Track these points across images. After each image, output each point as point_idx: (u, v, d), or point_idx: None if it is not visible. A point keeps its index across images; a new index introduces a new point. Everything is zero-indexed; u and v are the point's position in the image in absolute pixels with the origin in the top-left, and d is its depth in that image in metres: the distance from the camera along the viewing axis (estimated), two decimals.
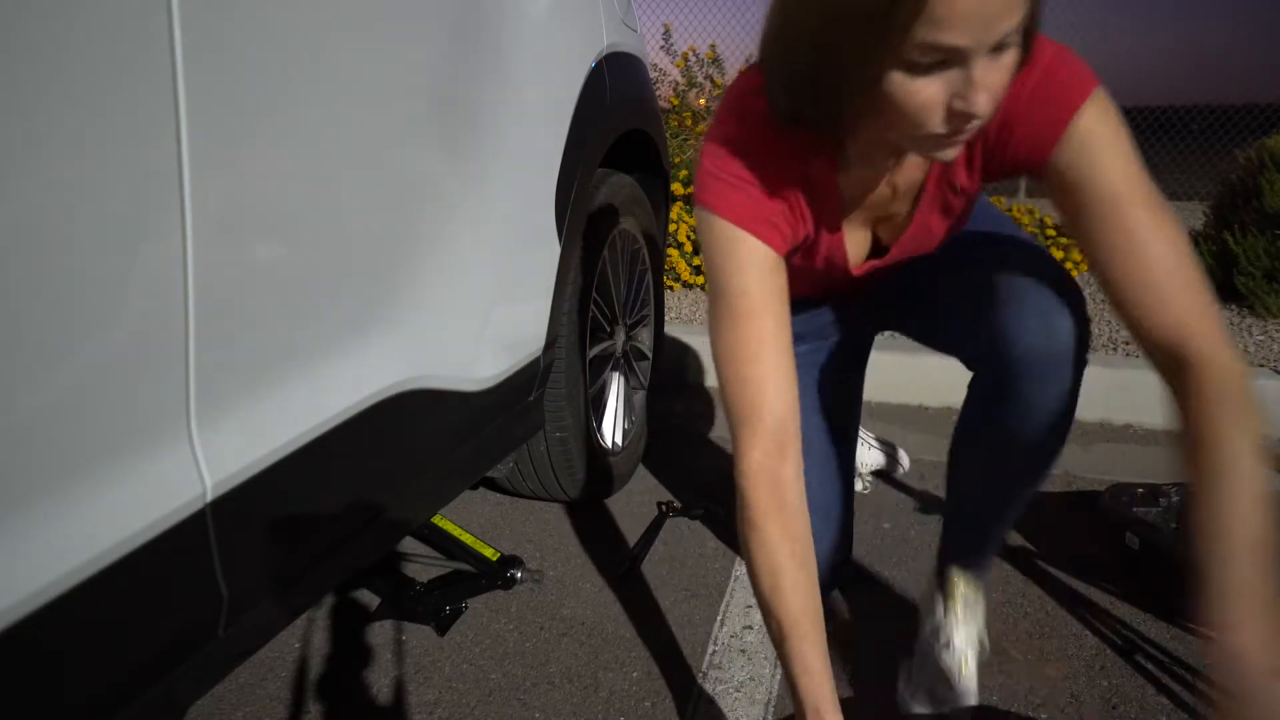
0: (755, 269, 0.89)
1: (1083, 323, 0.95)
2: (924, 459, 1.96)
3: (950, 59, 0.68)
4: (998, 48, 0.68)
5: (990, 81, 0.69)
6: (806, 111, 0.81)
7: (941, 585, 1.19)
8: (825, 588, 1.01)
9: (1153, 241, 0.80)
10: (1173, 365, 0.80)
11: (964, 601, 1.18)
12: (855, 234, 1.02)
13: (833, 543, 1.26)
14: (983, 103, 0.69)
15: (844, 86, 0.74)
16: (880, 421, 2.31)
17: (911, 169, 0.94)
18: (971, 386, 1.07)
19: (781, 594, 0.85)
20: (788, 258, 0.95)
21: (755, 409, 0.88)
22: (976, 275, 1.02)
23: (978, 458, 1.10)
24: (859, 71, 0.71)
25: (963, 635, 1.16)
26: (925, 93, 0.70)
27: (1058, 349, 0.94)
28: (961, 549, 1.19)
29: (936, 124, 0.72)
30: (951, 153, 0.76)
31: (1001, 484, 1.09)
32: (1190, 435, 0.78)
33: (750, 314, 0.88)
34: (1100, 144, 0.81)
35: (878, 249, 1.05)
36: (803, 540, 0.88)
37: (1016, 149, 0.86)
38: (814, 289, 1.20)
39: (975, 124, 0.72)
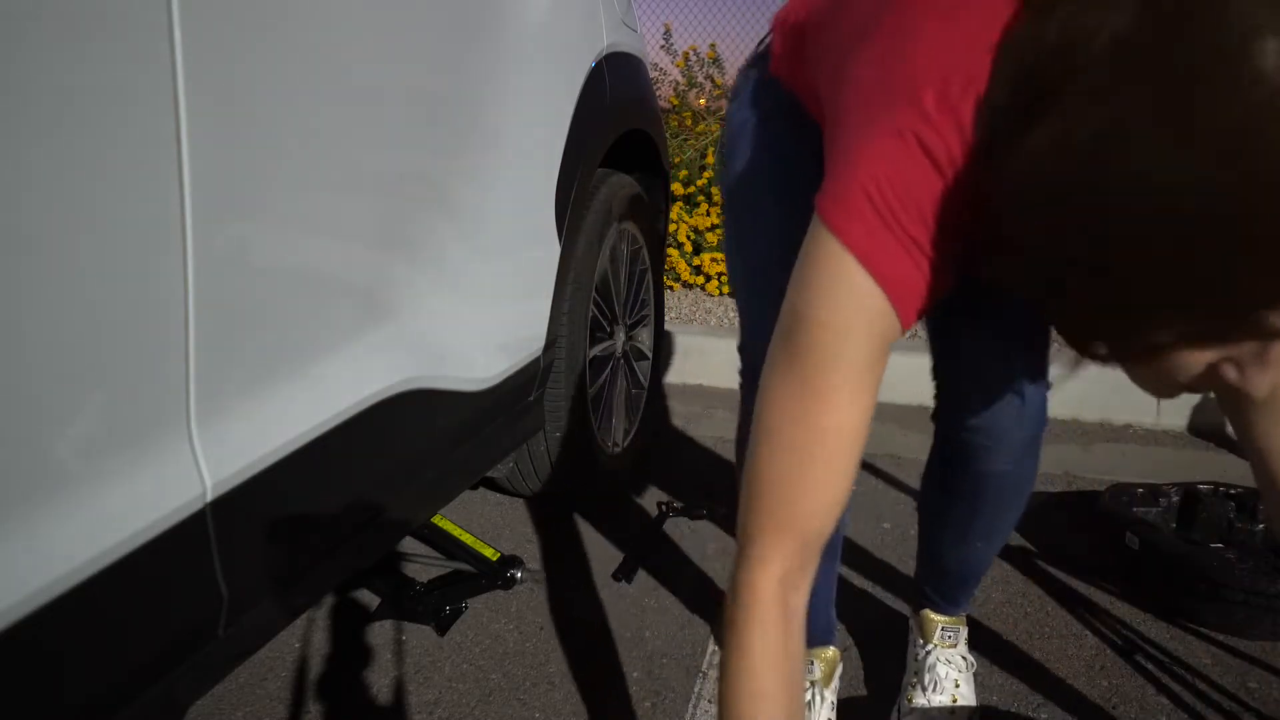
0: (875, 347, 0.66)
1: (1031, 429, 0.98)
2: (924, 459, 1.96)
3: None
4: None
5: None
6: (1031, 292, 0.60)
7: (919, 626, 1.23)
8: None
9: None
10: None
11: (940, 632, 1.20)
12: None
13: None
14: (1263, 386, 0.54)
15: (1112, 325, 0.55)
16: (879, 421, 2.31)
17: None
18: (935, 431, 1.08)
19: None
20: None
21: (797, 516, 0.68)
22: (990, 341, 0.98)
23: (934, 500, 1.14)
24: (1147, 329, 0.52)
25: (944, 667, 1.17)
26: (1201, 357, 0.54)
27: (1002, 450, 0.98)
28: (929, 585, 1.21)
29: (1185, 378, 0.56)
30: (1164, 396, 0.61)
31: (957, 533, 1.11)
32: None
33: (840, 402, 0.66)
34: None
35: None
36: (793, 693, 0.69)
37: None
38: None
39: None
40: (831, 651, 1.20)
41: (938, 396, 1.05)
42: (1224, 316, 0.50)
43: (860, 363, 0.66)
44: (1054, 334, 0.85)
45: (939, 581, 1.19)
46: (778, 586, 0.68)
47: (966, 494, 1.06)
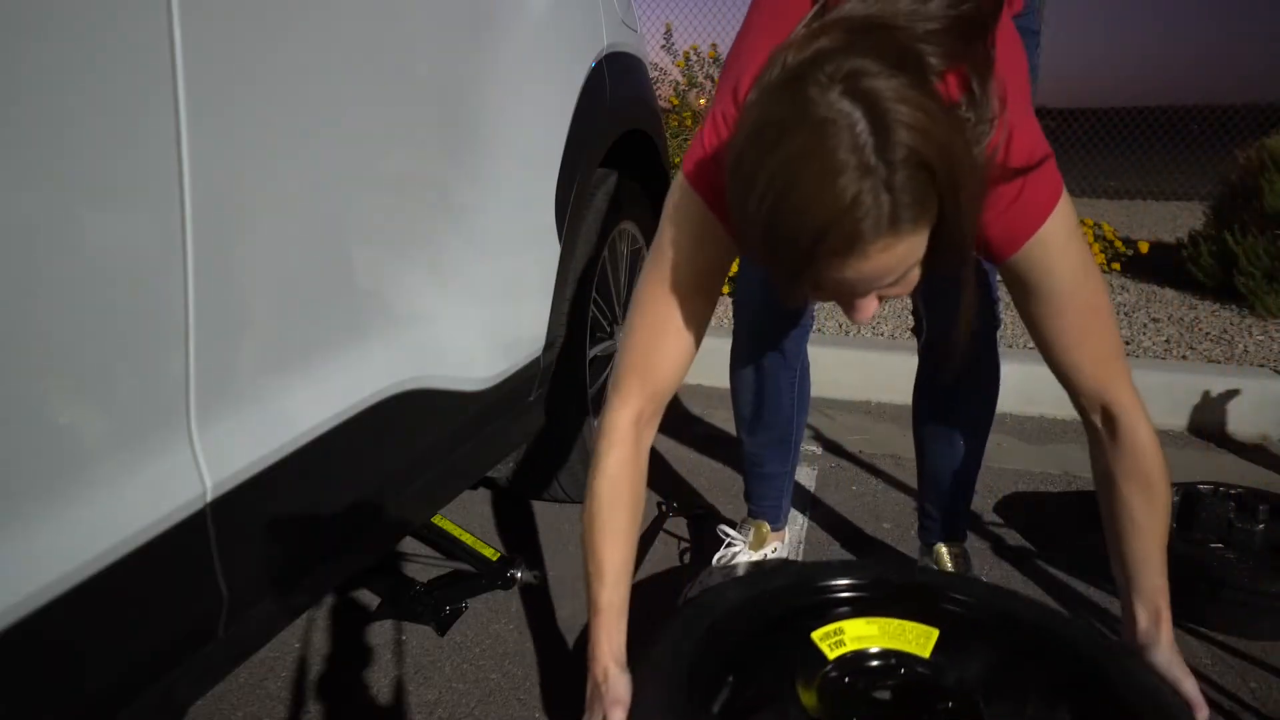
0: (706, 252, 0.95)
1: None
2: None
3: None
4: (888, 284, 0.77)
5: (872, 306, 0.80)
6: None
7: (934, 560, 1.41)
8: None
9: (1088, 331, 0.95)
10: (1095, 411, 0.98)
11: (952, 559, 1.40)
12: None
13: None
14: (860, 320, 0.82)
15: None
16: (880, 421, 2.32)
17: None
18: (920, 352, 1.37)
19: (606, 541, 0.95)
20: None
21: (650, 372, 0.97)
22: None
23: (921, 409, 1.39)
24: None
25: None
26: (824, 294, 0.81)
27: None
28: (929, 502, 1.43)
29: (839, 304, 0.83)
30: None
31: (944, 435, 1.36)
32: (1115, 493, 1.00)
33: (687, 291, 0.95)
34: (1054, 253, 0.91)
35: None
36: (638, 504, 0.99)
37: (988, 241, 0.92)
38: None
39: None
40: (765, 527, 1.50)
41: (915, 328, 1.36)
42: (795, 277, 0.74)
43: (697, 263, 0.94)
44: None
45: (936, 494, 1.40)
46: (632, 423, 0.97)
47: (941, 395, 1.34)
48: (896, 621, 1.03)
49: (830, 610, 1.06)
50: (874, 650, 1.00)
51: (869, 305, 0.80)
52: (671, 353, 0.97)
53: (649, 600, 1.46)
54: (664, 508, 1.76)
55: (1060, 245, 0.90)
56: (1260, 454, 2.11)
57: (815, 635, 1.01)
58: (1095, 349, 0.95)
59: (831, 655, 0.99)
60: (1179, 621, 1.38)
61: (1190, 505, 1.55)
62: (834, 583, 1.10)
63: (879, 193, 0.67)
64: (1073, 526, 1.70)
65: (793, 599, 1.09)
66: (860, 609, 1.06)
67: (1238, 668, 1.28)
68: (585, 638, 1.35)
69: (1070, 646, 0.97)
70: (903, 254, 0.72)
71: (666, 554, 1.61)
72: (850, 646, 1.00)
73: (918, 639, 1.01)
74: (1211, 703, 1.20)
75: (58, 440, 0.64)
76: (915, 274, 0.78)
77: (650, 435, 1.00)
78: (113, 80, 0.65)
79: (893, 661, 0.99)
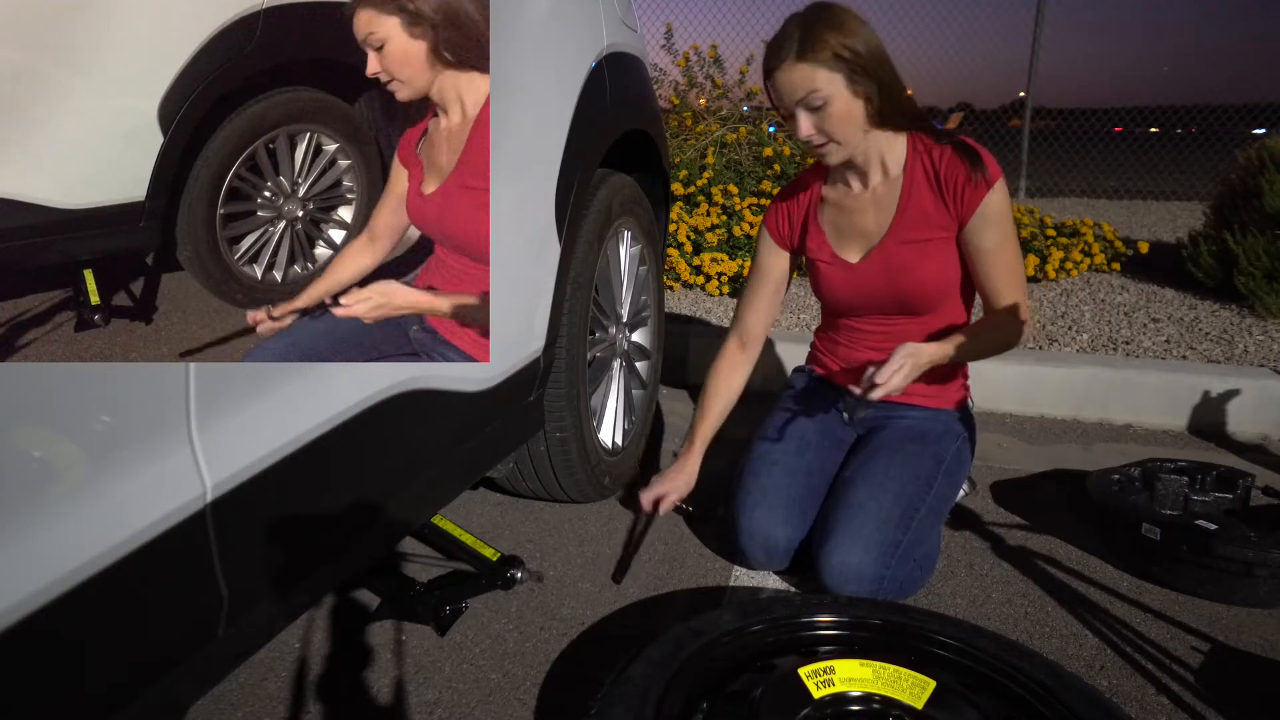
0: (764, 253, 1.65)
1: (880, 563, 1.36)
2: None
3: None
4: (809, 108, 1.33)
5: (805, 126, 1.34)
6: None
7: None
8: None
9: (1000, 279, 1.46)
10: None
11: None
12: (841, 241, 1.55)
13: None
14: (799, 136, 1.35)
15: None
16: None
17: (878, 188, 1.48)
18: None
19: (711, 385, 1.66)
20: (801, 254, 1.62)
21: (739, 324, 1.68)
22: (854, 485, 1.45)
23: None
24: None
25: None
26: (779, 101, 1.38)
27: (845, 584, 1.36)
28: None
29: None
30: (822, 159, 1.42)
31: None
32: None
33: (757, 277, 1.66)
34: (995, 219, 1.42)
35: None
36: (740, 377, 1.68)
37: (954, 209, 1.43)
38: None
39: (818, 146, 1.37)
40: None
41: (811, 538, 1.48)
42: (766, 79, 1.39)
43: (763, 261, 1.65)
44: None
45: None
46: (732, 346, 1.68)
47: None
48: (892, 667, 0.99)
49: (823, 647, 1.05)
50: (861, 694, 0.97)
51: (802, 122, 1.34)
52: (751, 314, 1.67)
53: (646, 601, 1.46)
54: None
55: (1004, 211, 1.42)
56: (1260, 454, 2.11)
57: (803, 672, 0.97)
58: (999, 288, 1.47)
59: (817, 695, 0.95)
60: (1178, 620, 1.39)
61: (1150, 481, 1.63)
62: (829, 619, 1.10)
63: (795, 39, 1.30)
64: (1073, 527, 1.70)
65: (785, 632, 1.08)
66: (855, 650, 1.04)
67: (1239, 668, 1.28)
68: (585, 638, 1.36)
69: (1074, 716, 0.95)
70: (804, 76, 1.29)
71: (666, 554, 1.61)
72: (839, 688, 0.97)
73: (912, 688, 0.97)
74: (1212, 703, 1.20)
75: (58, 441, 0.64)
76: (835, 109, 1.31)
77: (747, 352, 1.67)
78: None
79: (878, 707, 0.95)
